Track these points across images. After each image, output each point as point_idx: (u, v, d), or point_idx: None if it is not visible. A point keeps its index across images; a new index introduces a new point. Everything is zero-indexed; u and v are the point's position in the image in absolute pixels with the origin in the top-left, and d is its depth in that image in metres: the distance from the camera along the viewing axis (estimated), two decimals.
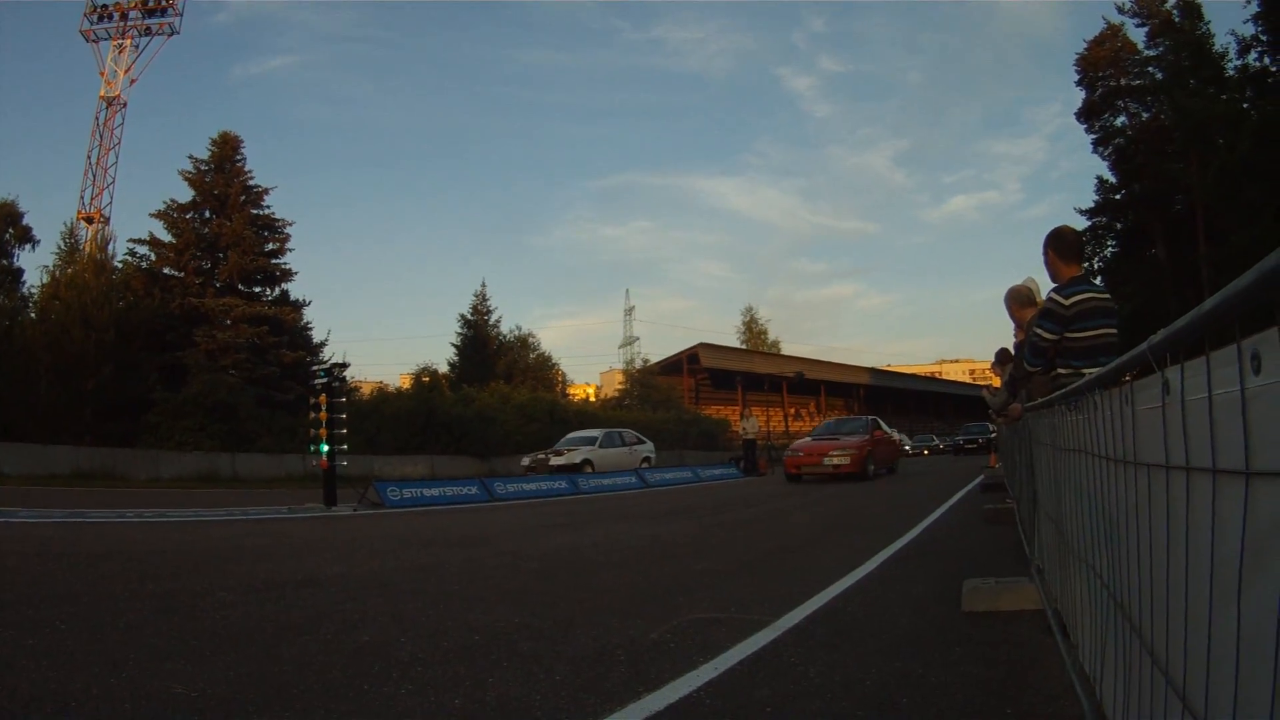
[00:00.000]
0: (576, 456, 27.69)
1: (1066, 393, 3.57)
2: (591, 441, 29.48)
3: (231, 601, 6.52)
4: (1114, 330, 5.62)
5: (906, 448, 48.37)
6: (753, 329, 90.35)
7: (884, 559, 8.43)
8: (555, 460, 27.23)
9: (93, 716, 3.71)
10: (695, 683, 4.24)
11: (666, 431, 44.70)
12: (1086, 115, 48.60)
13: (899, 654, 4.70)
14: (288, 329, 36.93)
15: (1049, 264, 5.89)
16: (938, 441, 58.46)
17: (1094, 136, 48.69)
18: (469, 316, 52.81)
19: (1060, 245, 5.87)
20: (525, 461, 28.51)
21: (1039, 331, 5.70)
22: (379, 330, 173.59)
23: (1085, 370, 5.08)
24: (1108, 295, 5.75)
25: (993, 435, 28.50)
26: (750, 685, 4.21)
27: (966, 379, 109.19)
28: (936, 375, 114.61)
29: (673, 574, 8.04)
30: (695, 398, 71.31)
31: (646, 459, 30.70)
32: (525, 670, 4.54)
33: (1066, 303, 5.53)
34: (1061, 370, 5.63)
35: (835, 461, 22.05)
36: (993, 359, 10.93)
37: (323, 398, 16.78)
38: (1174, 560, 1.87)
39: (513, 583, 7.78)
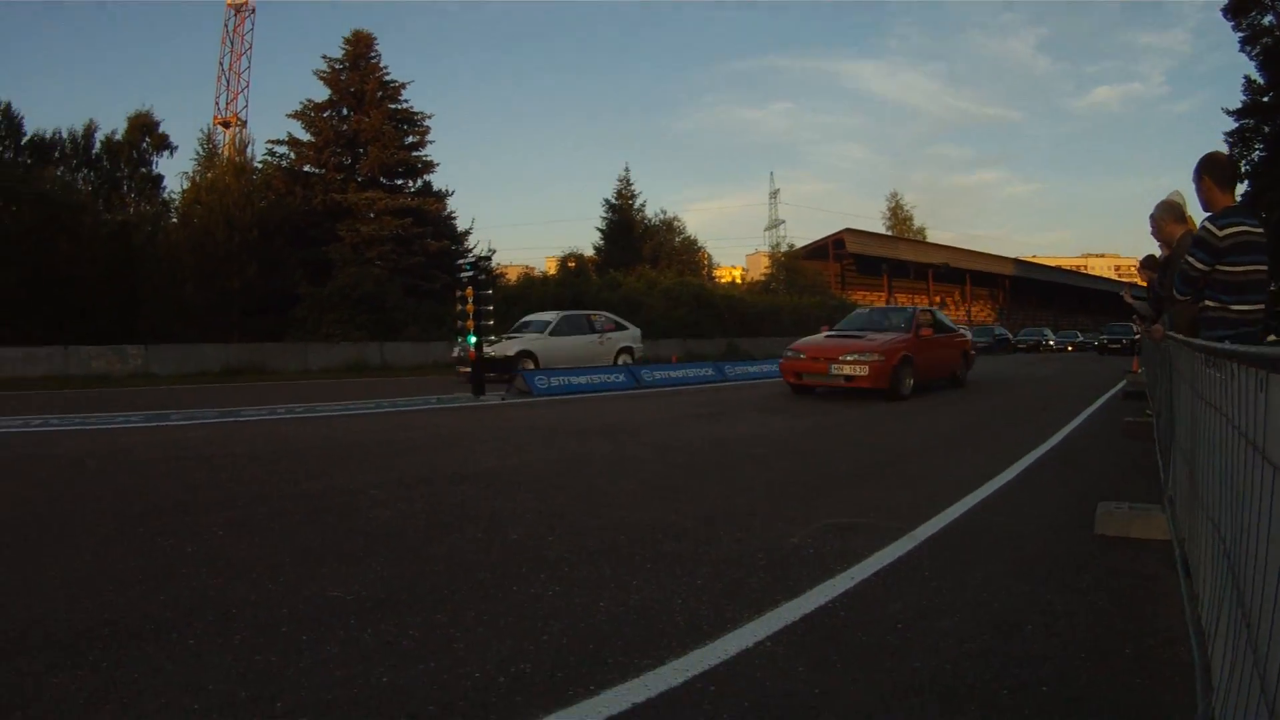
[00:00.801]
0: (510, 347, 22.25)
1: (1206, 349, 3.41)
2: (543, 328, 24.02)
3: (383, 500, 6.85)
4: (1265, 267, 5.40)
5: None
6: (898, 215, 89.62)
7: (1023, 468, 8.31)
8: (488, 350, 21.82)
9: (253, 623, 3.98)
10: (831, 592, 4.36)
11: (813, 317, 44.06)
12: (1233, 11, 44.82)
13: (1029, 575, 4.73)
14: (432, 219, 37.88)
15: (1203, 190, 5.62)
16: (1082, 338, 56.25)
17: (1241, 35, 45.01)
18: (613, 201, 53.28)
19: (1215, 171, 5.62)
20: (455, 352, 22.79)
21: (1190, 261, 5.48)
22: (523, 215, 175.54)
23: (1233, 307, 5.26)
24: (1261, 230, 5.43)
25: (1136, 337, 26.65)
26: (885, 598, 4.31)
27: (1111, 275, 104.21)
28: (1081, 269, 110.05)
29: (813, 472, 8.11)
30: (841, 283, 70.61)
31: (626, 350, 25.45)
32: (668, 572, 4.72)
33: (1220, 234, 5.30)
34: (1209, 303, 5.47)
35: (847, 371, 15.57)
36: (1139, 262, 10.43)
37: (469, 290, 17.16)
38: None
39: (658, 477, 7.95)
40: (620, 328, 25.83)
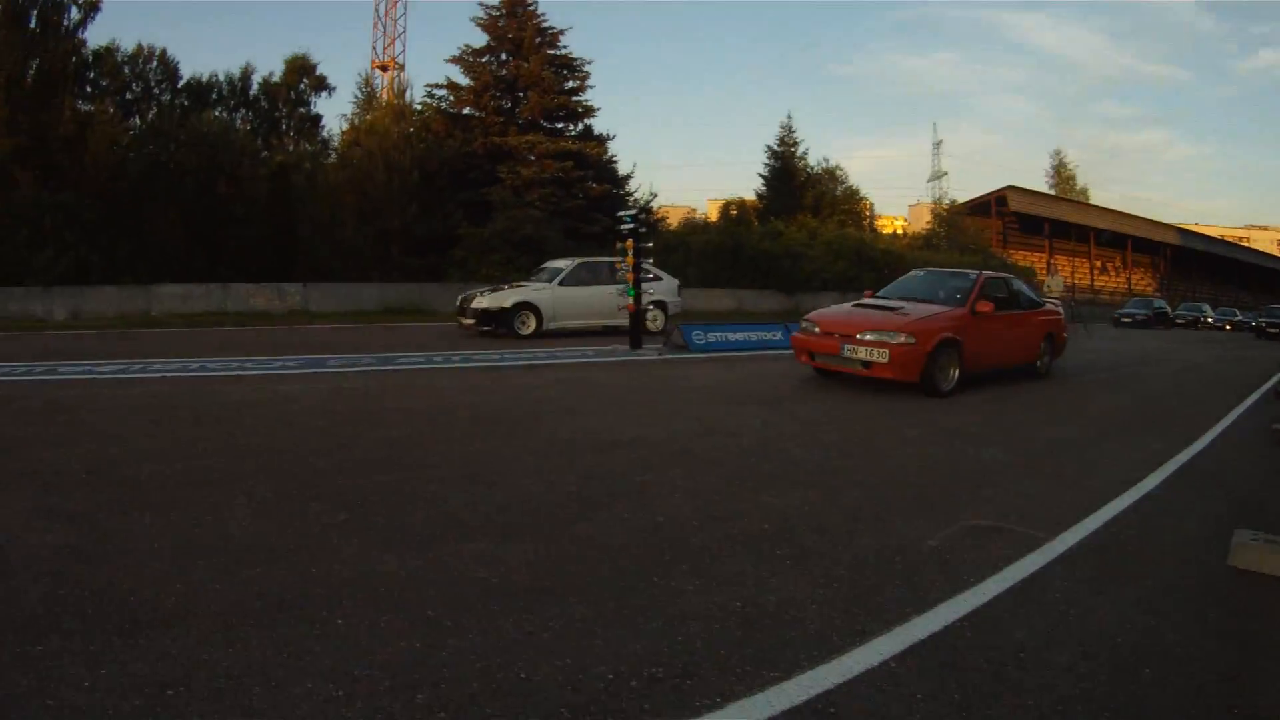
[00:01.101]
0: (508, 298, 20.36)
1: None
2: (554, 275, 21.51)
3: (533, 468, 7.03)
4: None
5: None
6: (1061, 174, 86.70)
7: (1168, 474, 7.76)
8: (478, 303, 20.56)
9: (400, 604, 4.18)
10: (961, 609, 4.32)
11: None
12: None
13: (1155, 609, 4.51)
14: (593, 163, 38.31)
15: None
16: (1240, 317, 52.42)
17: None
18: (775, 147, 52.95)
19: None
20: (458, 301, 21.74)
21: None
22: (684, 157, 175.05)
23: None
24: None
25: None
26: (1012, 621, 4.24)
27: (1275, 250, 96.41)
28: (1243, 242, 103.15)
29: (966, 460, 7.98)
30: (1003, 241, 68.59)
31: (657, 304, 22.14)
32: (806, 571, 4.75)
33: None
34: None
35: (863, 355, 11.86)
36: None
37: (629, 243, 17.28)
38: None
39: (808, 456, 7.89)
40: (652, 278, 21.44)
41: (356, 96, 37.79)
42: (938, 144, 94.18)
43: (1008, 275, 15.33)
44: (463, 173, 36.08)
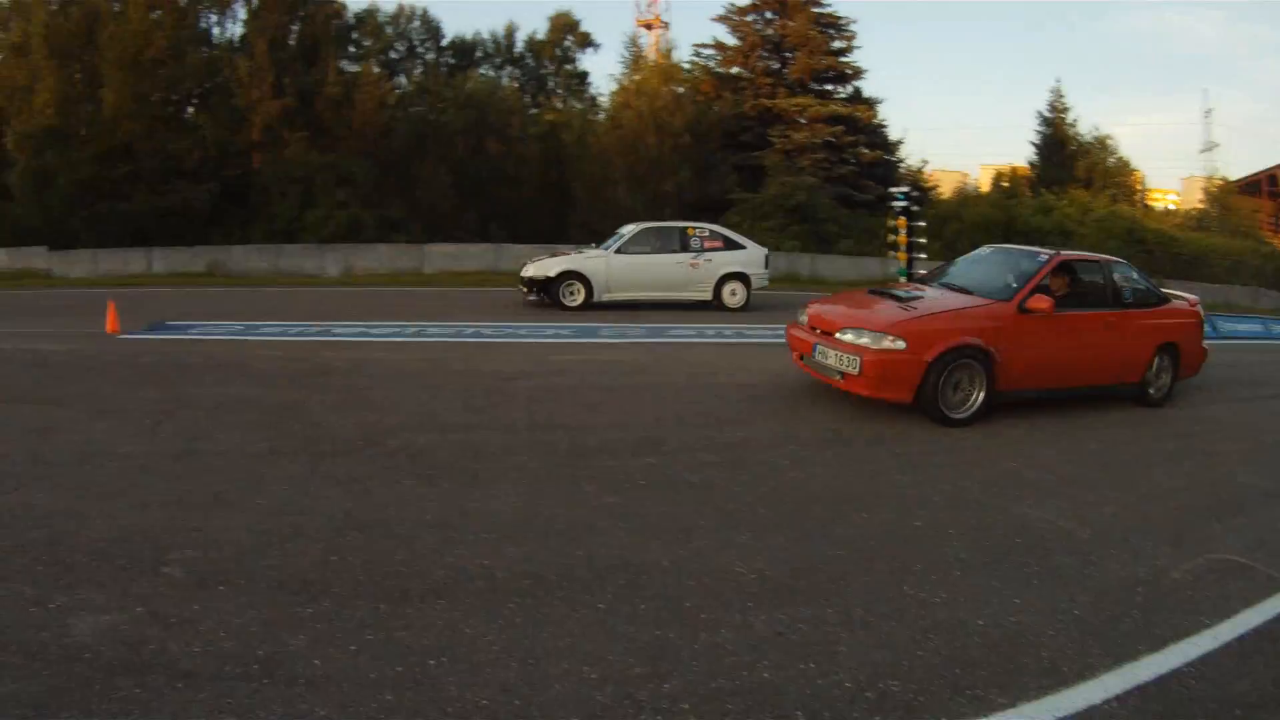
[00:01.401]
0: (552, 266, 18.76)
1: None
2: (616, 241, 19.43)
3: (801, 459, 7.26)
4: None
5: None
6: None
7: None
8: (526, 270, 19.20)
9: (660, 592, 4.55)
10: (1191, 652, 4.25)
11: (1245, 264, 39.72)
12: None
13: None
14: (863, 127, 37.96)
15: None
16: None
17: None
18: (1046, 114, 50.66)
19: None
20: (526, 270, 19.31)
21: None
22: (952, 118, 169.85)
23: None
24: None
25: None
26: (1236, 671, 4.13)
27: None
28: None
29: (1224, 481, 7.55)
30: (1276, 225, 63.40)
31: (736, 277, 19.38)
32: (1050, 594, 4.78)
33: None
34: None
35: (831, 361, 9.12)
36: None
37: (901, 220, 17.17)
38: None
39: (1069, 463, 7.71)
40: (733, 246, 19.64)
41: (623, 56, 38.85)
42: (1208, 112, 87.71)
43: (1112, 261, 11.01)
44: (734, 135, 36.60)
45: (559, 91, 44.29)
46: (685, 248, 18.96)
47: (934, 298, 9.89)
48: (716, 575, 4.78)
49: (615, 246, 18.94)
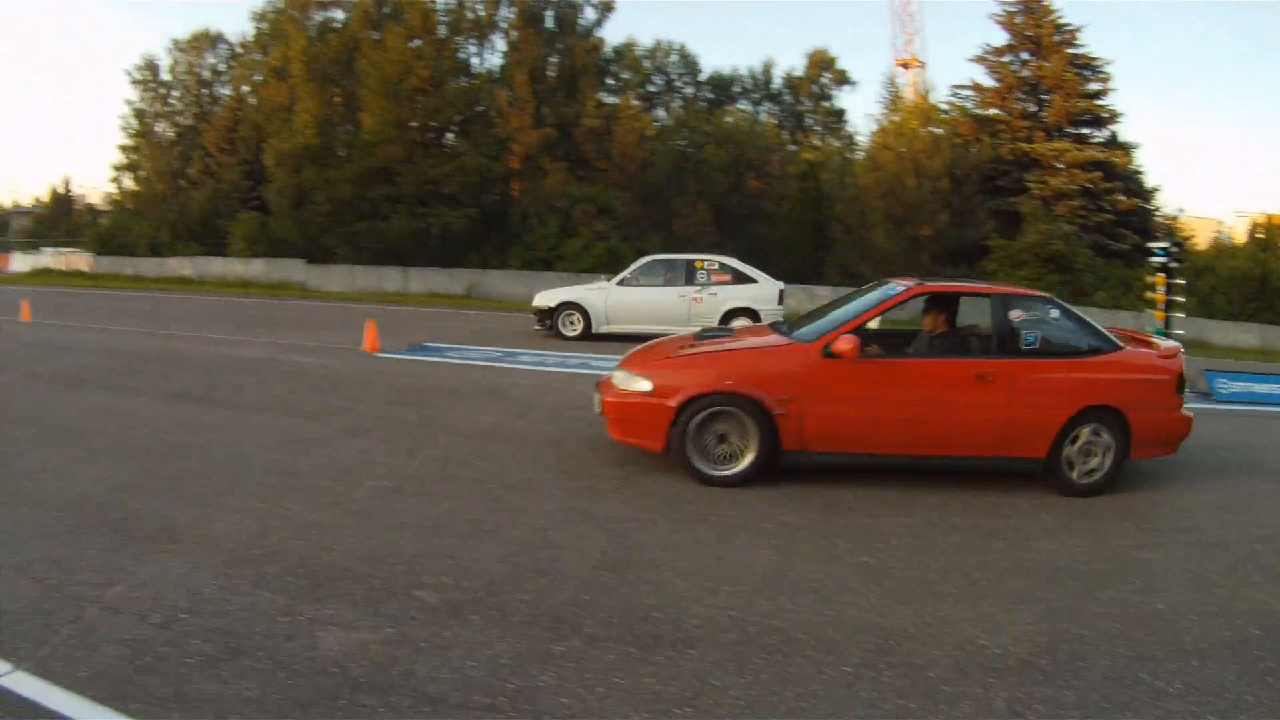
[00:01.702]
0: (553, 297, 19.43)
1: None
2: (628, 270, 19.95)
3: (1052, 528, 7.08)
4: None
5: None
6: None
7: None
8: (536, 300, 19.97)
9: (904, 660, 4.66)
10: None
11: None
12: None
13: None
14: (1120, 174, 36.88)
15: None
16: None
17: None
18: None
19: None
20: (536, 301, 20.00)
21: None
22: (1204, 160, 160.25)
23: None
24: None
25: None
26: None
27: None
28: None
29: None
30: None
31: (744, 311, 18.67)
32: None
33: None
34: None
35: (596, 404, 8.47)
36: None
37: (1160, 278, 16.57)
38: None
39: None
40: (744, 280, 19.28)
41: (881, 95, 39.01)
42: None
43: (1018, 294, 8.75)
44: (991, 179, 36.07)
45: (816, 129, 44.58)
46: (691, 281, 19.11)
47: (744, 338, 8.96)
48: (961, 647, 4.81)
49: (620, 278, 19.52)
